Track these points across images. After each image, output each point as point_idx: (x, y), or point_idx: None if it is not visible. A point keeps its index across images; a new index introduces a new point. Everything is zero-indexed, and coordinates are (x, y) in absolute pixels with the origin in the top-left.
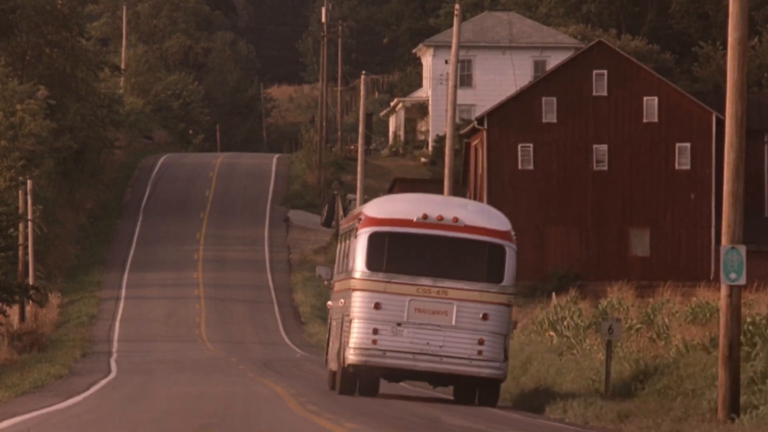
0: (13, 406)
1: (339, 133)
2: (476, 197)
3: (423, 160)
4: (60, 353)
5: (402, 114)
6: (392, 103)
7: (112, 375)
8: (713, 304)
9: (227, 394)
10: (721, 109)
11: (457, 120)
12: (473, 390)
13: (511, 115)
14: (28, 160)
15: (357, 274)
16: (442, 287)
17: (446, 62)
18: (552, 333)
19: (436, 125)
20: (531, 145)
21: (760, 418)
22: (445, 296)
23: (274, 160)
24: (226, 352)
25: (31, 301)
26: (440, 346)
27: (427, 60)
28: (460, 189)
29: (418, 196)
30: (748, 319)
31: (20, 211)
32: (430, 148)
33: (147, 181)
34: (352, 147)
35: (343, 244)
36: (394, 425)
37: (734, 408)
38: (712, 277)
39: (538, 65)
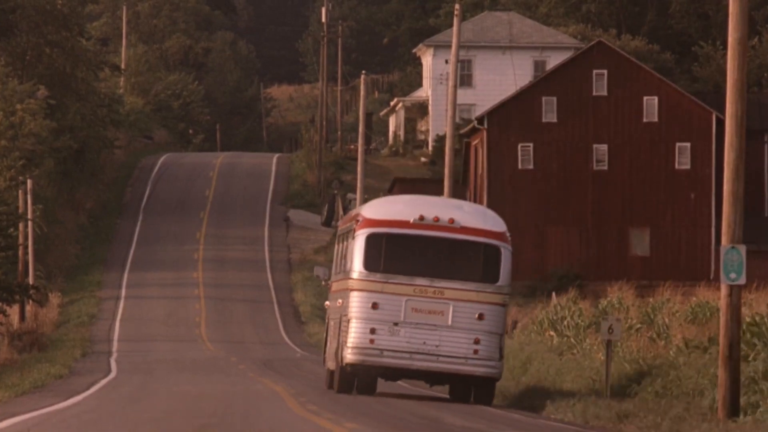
0: (13, 406)
1: (339, 132)
2: (476, 197)
3: (423, 159)
4: (60, 353)
5: (402, 114)
6: (392, 103)
7: (112, 375)
8: (713, 304)
9: (227, 393)
10: (721, 109)
11: (457, 120)
12: (469, 389)
13: (511, 115)
14: (28, 160)
15: (355, 275)
16: (439, 287)
17: (446, 62)
18: (552, 333)
19: (436, 125)
20: (531, 144)
21: (760, 418)
22: (442, 296)
23: (274, 160)
24: (226, 352)
25: (31, 301)
26: (437, 346)
27: (427, 60)
28: (460, 189)
29: (415, 197)
30: (748, 319)
31: (20, 210)
32: (430, 148)
33: (147, 180)
34: (352, 147)
35: (340, 245)
36: (394, 425)
37: (734, 408)
38: (712, 276)
39: (538, 65)
